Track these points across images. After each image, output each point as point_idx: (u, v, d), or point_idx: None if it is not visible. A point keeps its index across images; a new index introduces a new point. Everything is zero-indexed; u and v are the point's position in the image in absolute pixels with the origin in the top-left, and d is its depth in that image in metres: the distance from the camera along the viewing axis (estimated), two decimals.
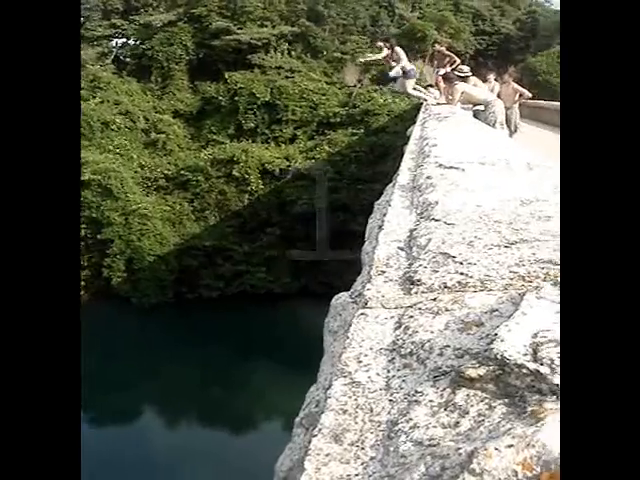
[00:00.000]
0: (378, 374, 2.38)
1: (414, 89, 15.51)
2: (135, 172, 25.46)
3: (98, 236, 24.25)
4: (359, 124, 25.46)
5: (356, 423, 2.14)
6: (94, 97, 26.97)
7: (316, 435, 2.08)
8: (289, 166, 24.28)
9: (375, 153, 24.94)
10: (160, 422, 18.83)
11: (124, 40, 29.85)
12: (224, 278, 24.29)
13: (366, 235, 5.78)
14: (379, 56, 15.90)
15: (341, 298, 3.83)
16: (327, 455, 1.97)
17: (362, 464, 1.91)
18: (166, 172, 25.54)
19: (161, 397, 20.05)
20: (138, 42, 29.22)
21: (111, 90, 27.38)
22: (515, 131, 14.65)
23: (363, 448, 1.99)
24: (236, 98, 26.51)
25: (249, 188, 24.68)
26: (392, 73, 15.31)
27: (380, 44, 15.48)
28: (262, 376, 20.41)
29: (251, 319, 23.28)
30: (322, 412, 2.26)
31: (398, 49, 15.04)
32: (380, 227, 4.91)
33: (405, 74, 15.11)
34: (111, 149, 25.88)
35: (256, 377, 20.63)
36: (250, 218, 24.70)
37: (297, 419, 2.65)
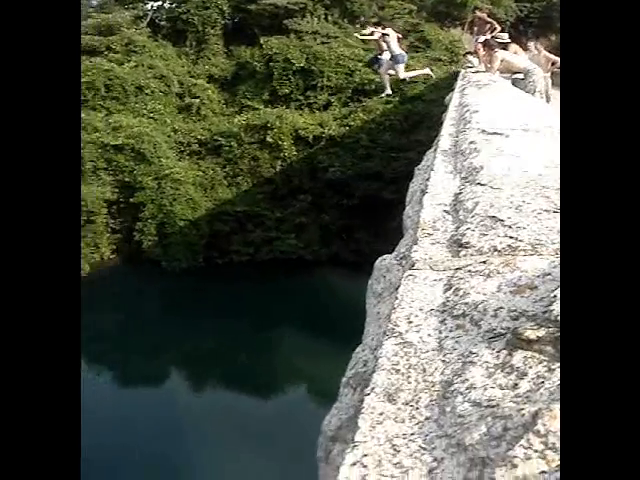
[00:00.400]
0: (429, 335, 2.35)
1: (406, 72, 15.39)
2: (168, 137, 25.50)
3: (130, 200, 24.42)
4: (394, 92, 25.15)
5: (409, 383, 2.11)
6: (129, 61, 26.95)
7: (369, 394, 2.06)
8: (322, 133, 24.11)
9: (409, 121, 24.65)
10: (185, 386, 19.05)
11: (159, 3, 29.67)
12: (254, 244, 24.39)
13: (407, 200, 5.72)
14: (369, 37, 15.85)
15: (385, 260, 3.79)
16: (381, 414, 1.95)
17: (417, 424, 1.89)
18: (199, 137, 25.52)
19: (188, 361, 20.31)
20: (174, 5, 29.01)
21: (146, 54, 27.31)
22: (548, 100, 14.39)
23: (418, 408, 1.97)
24: (271, 64, 26.28)
25: (282, 154, 24.59)
26: (382, 57, 15.22)
27: (371, 29, 15.41)
28: (289, 342, 20.55)
29: (280, 285, 23.39)
30: (372, 372, 2.23)
31: (390, 33, 14.93)
32: (423, 191, 4.85)
33: (393, 59, 15.01)
34: (145, 113, 25.90)
35: (283, 343, 20.79)
36: (282, 184, 24.66)
37: (344, 379, 2.64)
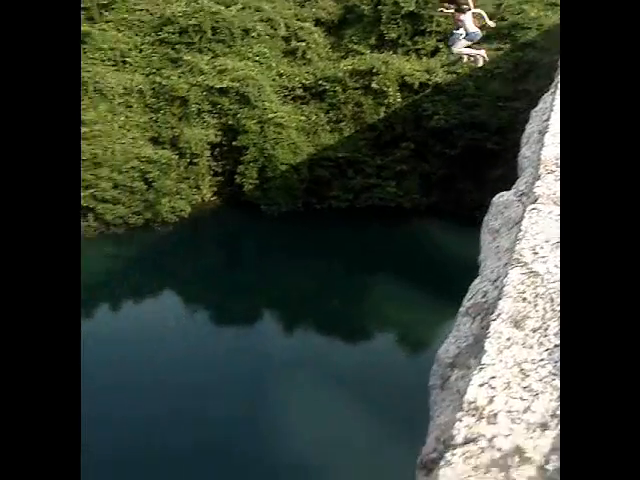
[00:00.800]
0: (556, 266, 2.26)
1: (464, 48, 14.60)
2: (273, 80, 25.52)
3: (233, 143, 24.76)
4: (505, 38, 24.10)
5: (537, 311, 2.04)
6: (235, 3, 26.99)
7: (495, 319, 2.01)
8: (429, 80, 23.54)
9: (519, 70, 23.67)
10: (277, 327, 19.47)
11: None
12: (354, 190, 24.33)
13: (523, 141, 5.52)
14: (446, 12, 15.05)
15: (504, 197, 3.67)
16: (508, 339, 1.90)
17: (546, 350, 1.82)
18: (304, 82, 25.38)
19: (281, 303, 20.71)
20: None
21: None
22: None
23: (546, 335, 1.90)
24: (379, 7, 25.63)
25: (386, 101, 24.18)
26: (456, 32, 14.45)
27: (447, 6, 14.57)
28: (383, 289, 20.58)
29: (377, 232, 23.36)
30: (497, 300, 2.17)
31: (468, 12, 14.15)
32: (542, 132, 4.67)
33: (467, 35, 14.26)
34: (250, 56, 25.97)
35: (377, 290, 20.84)
36: (385, 131, 24.32)
37: (461, 309, 2.59)
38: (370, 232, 23.24)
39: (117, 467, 13.18)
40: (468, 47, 14.75)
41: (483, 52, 14.92)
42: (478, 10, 14.39)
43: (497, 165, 21.00)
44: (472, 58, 15.15)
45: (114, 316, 19.64)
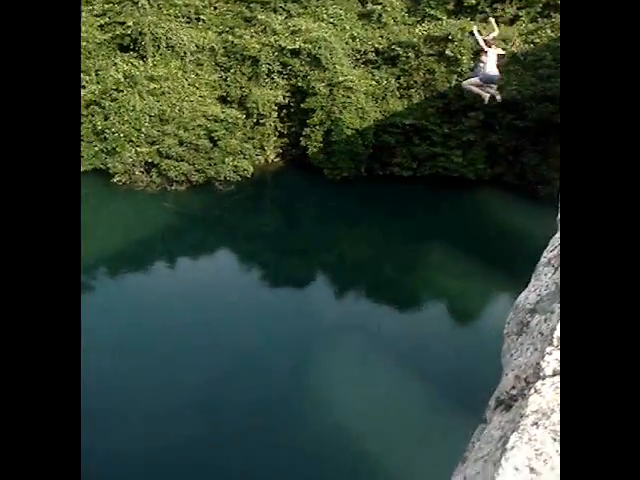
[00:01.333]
0: None
1: (473, 86, 14.04)
2: (346, 43, 25.27)
3: (301, 105, 24.72)
4: None
5: None
6: None
7: None
8: (505, 48, 22.91)
9: None
10: (330, 290, 19.50)
11: None
12: (418, 158, 24.06)
13: None
14: (489, 36, 14.42)
15: None
16: None
17: None
18: (377, 46, 25.04)
19: (336, 266, 20.74)
20: None
21: None
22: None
23: None
24: None
25: (459, 69, 23.67)
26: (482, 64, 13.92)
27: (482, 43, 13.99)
28: (439, 259, 20.40)
29: (439, 202, 23.13)
30: None
31: (492, 50, 13.59)
32: None
33: (484, 75, 13.78)
34: (325, 18, 25.77)
35: (432, 260, 20.66)
36: (455, 100, 23.86)
37: (542, 260, 2.56)
38: (431, 201, 23.05)
39: (171, 414, 13.58)
40: (481, 86, 14.18)
41: (496, 94, 14.38)
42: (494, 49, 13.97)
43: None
44: (480, 96, 14.65)
45: (170, 271, 20.05)
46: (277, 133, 25.56)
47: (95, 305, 16.49)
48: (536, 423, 1.27)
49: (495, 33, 14.73)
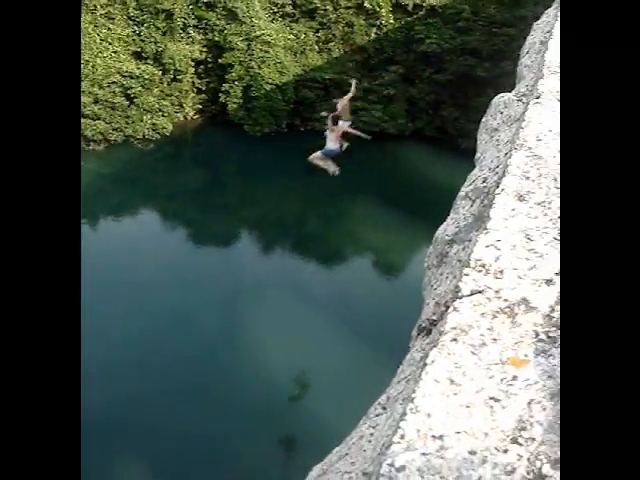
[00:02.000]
0: (559, 151, 2.26)
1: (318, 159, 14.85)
2: None
3: (219, 60, 24.20)
4: None
5: (540, 188, 2.05)
6: None
7: (499, 194, 2.01)
8: (423, 2, 22.90)
9: None
10: (254, 247, 19.43)
11: None
12: None
13: (523, 52, 5.47)
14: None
15: (504, 97, 3.64)
16: (513, 209, 1.91)
17: (550, 220, 1.84)
18: None
19: (259, 223, 20.61)
20: None
21: None
22: None
23: (550, 208, 1.91)
24: None
25: (378, 22, 23.58)
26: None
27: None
28: (361, 213, 20.55)
29: (360, 156, 23.12)
30: (500, 178, 2.17)
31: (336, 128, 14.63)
32: (543, 42, 4.63)
33: (326, 150, 14.71)
34: None
35: (355, 213, 20.76)
36: (375, 54, 23.83)
37: (460, 193, 2.60)
38: (352, 156, 22.99)
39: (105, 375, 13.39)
40: (324, 160, 14.95)
41: (336, 170, 15.04)
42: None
43: (486, 93, 20.77)
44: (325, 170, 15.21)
45: (92, 232, 19.50)
46: (195, 90, 25.00)
47: None
48: (455, 339, 1.29)
49: (350, 95, 15.85)
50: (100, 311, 15.32)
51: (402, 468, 1.00)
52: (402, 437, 1.05)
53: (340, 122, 14.86)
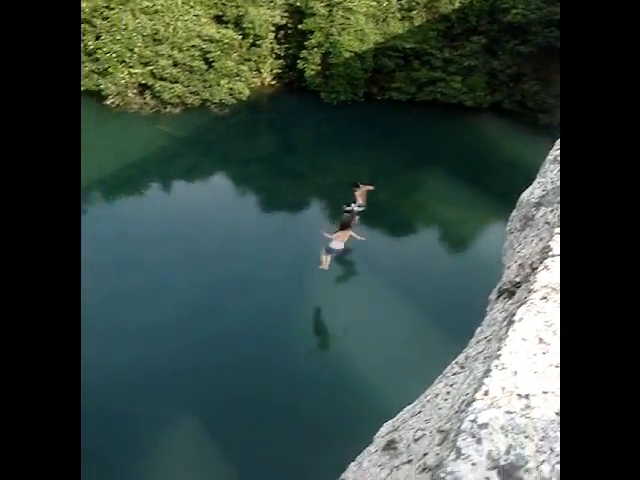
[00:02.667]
0: None
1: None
2: None
3: (299, 26, 24.07)
4: None
5: None
6: None
7: None
8: None
9: None
10: (323, 214, 19.29)
11: None
12: (417, 83, 23.60)
13: None
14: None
15: None
16: None
17: None
18: None
19: (332, 190, 20.33)
20: None
21: None
22: None
23: None
24: None
25: None
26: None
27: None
28: (434, 185, 20.19)
29: (436, 128, 22.76)
30: None
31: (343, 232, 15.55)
32: None
33: (329, 249, 15.14)
34: None
35: (428, 185, 20.40)
36: (458, 23, 23.22)
37: (549, 157, 2.48)
38: (429, 127, 22.69)
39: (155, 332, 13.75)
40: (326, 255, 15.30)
41: (325, 265, 15.23)
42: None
43: None
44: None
45: (164, 195, 19.87)
46: (274, 55, 24.98)
47: (88, 228, 16.44)
48: (545, 297, 1.21)
49: (369, 188, 17.20)
50: (169, 272, 15.72)
51: (485, 425, 0.93)
52: (486, 394, 0.99)
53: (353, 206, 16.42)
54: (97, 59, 22.94)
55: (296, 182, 20.86)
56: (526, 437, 0.91)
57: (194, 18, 23.98)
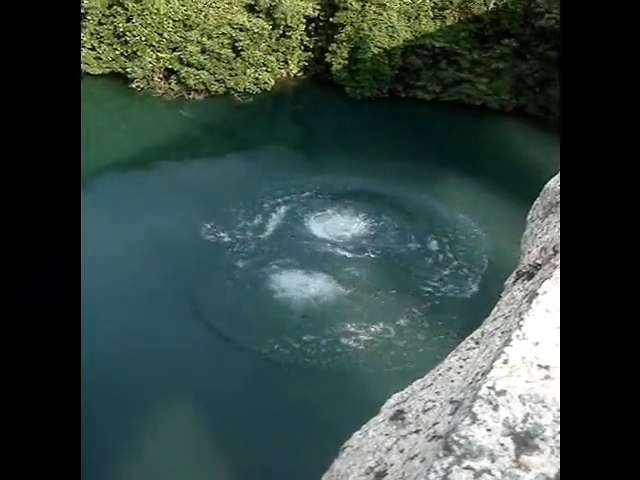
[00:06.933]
0: None
1: None
2: None
3: (331, 19, 23.99)
4: None
5: None
6: None
7: None
8: None
9: None
10: (342, 209, 19.05)
11: None
12: (443, 83, 23.44)
13: None
14: None
15: None
16: None
17: None
18: None
19: (349, 185, 19.84)
20: None
21: None
22: None
23: None
24: None
25: None
26: None
27: None
28: (450, 185, 19.83)
29: (458, 128, 22.45)
30: None
31: None
32: None
33: None
34: None
35: (444, 184, 19.96)
36: (490, 25, 23.04)
37: None
38: (450, 128, 22.42)
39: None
40: None
41: None
42: None
43: None
44: None
45: (184, 179, 19.70)
46: (302, 47, 24.91)
47: (106, 208, 16.70)
48: None
49: None
50: (189, 250, 15.96)
51: (503, 392, 0.89)
52: (505, 362, 0.95)
53: None
54: (126, 42, 23.03)
55: (313, 174, 20.32)
56: (544, 407, 0.87)
57: (226, 6, 23.99)
